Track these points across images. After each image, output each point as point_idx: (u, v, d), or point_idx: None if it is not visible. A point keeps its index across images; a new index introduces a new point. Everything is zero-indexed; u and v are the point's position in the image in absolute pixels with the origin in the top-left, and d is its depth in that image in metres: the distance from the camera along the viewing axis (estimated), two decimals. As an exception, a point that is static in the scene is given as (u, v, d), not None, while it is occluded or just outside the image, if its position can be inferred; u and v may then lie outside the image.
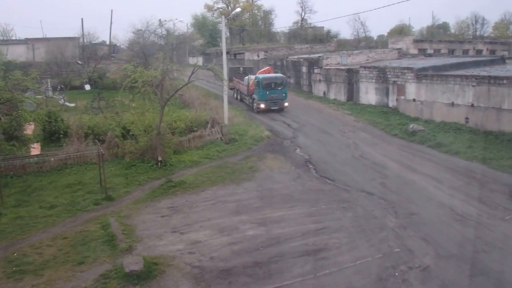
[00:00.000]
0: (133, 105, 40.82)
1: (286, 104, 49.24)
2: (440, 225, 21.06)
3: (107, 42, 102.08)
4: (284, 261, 18.17)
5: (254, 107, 49.99)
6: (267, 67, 61.16)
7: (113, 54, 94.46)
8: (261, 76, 50.39)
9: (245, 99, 55.10)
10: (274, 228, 21.14)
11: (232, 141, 36.77)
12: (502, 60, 53.94)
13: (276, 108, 48.75)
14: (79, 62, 78.91)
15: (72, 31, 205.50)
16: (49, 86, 62.21)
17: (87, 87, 69.55)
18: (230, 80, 54.75)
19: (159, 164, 30.54)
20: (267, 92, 48.42)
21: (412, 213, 22.58)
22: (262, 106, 48.57)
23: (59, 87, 63.99)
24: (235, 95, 59.13)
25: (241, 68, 65.06)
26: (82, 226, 21.99)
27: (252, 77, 52.45)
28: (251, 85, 51.43)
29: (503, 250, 18.64)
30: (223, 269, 17.61)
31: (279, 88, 49.06)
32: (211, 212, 23.43)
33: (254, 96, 50.20)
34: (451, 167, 29.52)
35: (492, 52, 78.86)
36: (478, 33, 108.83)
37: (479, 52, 78.91)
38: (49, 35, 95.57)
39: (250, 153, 34.13)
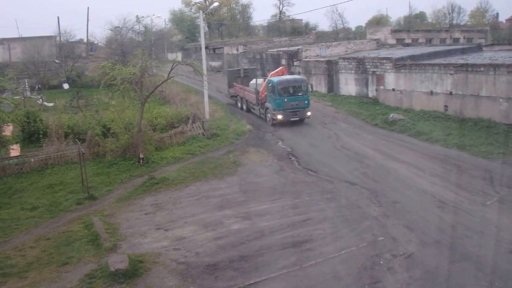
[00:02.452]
0: (112, 103, 40.67)
1: (308, 113, 39.86)
2: (423, 212, 21.25)
3: (85, 40, 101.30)
4: (270, 253, 18.22)
5: (268, 119, 40.92)
6: (280, 68, 47.31)
7: (91, 52, 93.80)
8: (275, 79, 40.30)
9: (253, 108, 44.96)
10: (258, 221, 21.19)
11: (214, 136, 36.72)
12: (479, 48, 54.54)
13: (297, 119, 39.64)
14: (57, 61, 78.19)
15: (48, 30, 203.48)
16: (27, 86, 61.62)
17: (66, 86, 69.01)
18: (231, 86, 51.02)
19: (141, 161, 30.42)
20: (285, 99, 38.92)
21: (395, 201, 22.78)
22: (280, 117, 39.11)
23: (37, 87, 63.29)
24: (239, 104, 48.95)
25: (242, 70, 53.23)
26: (65, 226, 21.83)
27: (261, 81, 44.29)
28: (261, 92, 42.16)
29: (484, 234, 18.88)
30: (209, 264, 17.61)
31: (299, 94, 39.54)
32: (195, 207, 23.40)
33: (268, 104, 40.87)
34: (432, 154, 29.80)
35: (469, 40, 79.49)
36: (454, 21, 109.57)
37: (456, 40, 79.55)
38: (25, 35, 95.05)
39: (233, 148, 34.12)
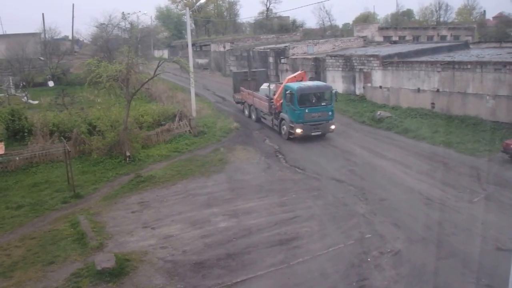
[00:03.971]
0: (98, 100, 40.56)
1: (332, 127, 34.30)
2: (410, 210, 21.41)
3: (70, 37, 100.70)
4: (257, 251, 18.26)
5: (283, 132, 35.37)
6: (299, 72, 40.13)
7: (76, 49, 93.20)
8: (295, 85, 34.36)
9: (264, 118, 39.63)
10: (245, 219, 21.22)
11: (201, 133, 36.70)
12: (466, 45, 54.76)
13: (319, 133, 34.21)
14: (41, 58, 77.57)
15: (33, 27, 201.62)
16: (11, 83, 60.96)
17: (51, 83, 68.46)
18: (236, 90, 45.98)
19: (127, 159, 30.33)
20: (306, 110, 33.31)
21: (382, 198, 22.91)
22: (299, 131, 33.52)
23: (21, 84, 62.73)
24: (246, 112, 43.70)
25: (249, 73, 48.12)
26: (50, 225, 21.71)
27: (273, 86, 39.21)
28: (276, 99, 36.43)
29: (471, 231, 19.06)
30: (196, 262, 17.61)
31: (322, 104, 34.05)
32: (182, 205, 23.38)
33: (284, 115, 35.14)
34: (419, 152, 30.01)
35: (456, 37, 79.84)
36: (442, 19, 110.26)
37: (443, 38, 79.86)
38: (9, 31, 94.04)
39: (220, 145, 34.09)
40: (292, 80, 36.94)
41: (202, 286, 16.05)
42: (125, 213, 22.79)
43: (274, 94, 37.19)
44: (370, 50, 54.23)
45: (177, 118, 37.85)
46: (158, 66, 32.67)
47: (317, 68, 52.59)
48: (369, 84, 45.01)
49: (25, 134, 34.25)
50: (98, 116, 33.24)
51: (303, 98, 33.51)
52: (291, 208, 22.29)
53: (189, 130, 36.68)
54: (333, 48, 64.60)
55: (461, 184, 24.16)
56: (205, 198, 24.20)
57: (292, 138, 34.15)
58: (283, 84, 36.37)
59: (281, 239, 19.16)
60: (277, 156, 31.16)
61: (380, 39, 76.05)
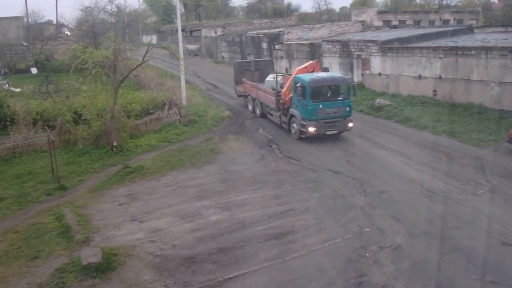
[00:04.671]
0: (84, 88, 40.30)
1: (350, 125, 31.48)
2: (411, 202, 21.40)
3: (54, 22, 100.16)
4: (250, 246, 18.22)
5: (293, 131, 32.53)
6: (310, 62, 35.78)
7: (61, 34, 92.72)
8: (306, 77, 31.46)
9: (270, 114, 36.74)
10: (238, 212, 21.19)
11: (192, 122, 36.61)
12: (470, 30, 54.80)
13: (335, 132, 31.34)
14: (24, 44, 77.18)
15: (15, 10, 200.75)
16: (-8, 70, 60.80)
17: (34, 70, 68.13)
18: (238, 82, 43.35)
19: (114, 149, 30.20)
20: (320, 106, 30.60)
21: (381, 191, 22.89)
22: (312, 129, 30.66)
23: (2, 71, 62.32)
24: (250, 107, 41.22)
25: (252, 63, 45.32)
26: (34, 218, 21.58)
27: (280, 78, 36.75)
28: (284, 93, 33.81)
29: (475, 225, 19.07)
30: (187, 257, 17.56)
31: (339, 98, 31.34)
32: (171, 198, 23.32)
33: (294, 111, 32.33)
34: (420, 142, 30.01)
35: (460, 21, 79.94)
36: (444, 2, 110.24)
37: (446, 22, 79.98)
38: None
39: (211, 135, 34.04)
40: (302, 71, 33.78)
41: (193, 282, 16.00)
42: (112, 206, 22.70)
43: (282, 87, 34.88)
44: (369, 35, 54.17)
45: (166, 107, 37.72)
46: (146, 52, 32.48)
47: (313, 54, 52.42)
48: (367, 71, 44.95)
49: (7, 123, 34.03)
50: (83, 104, 33.10)
51: (316, 92, 30.87)
52: (286, 201, 22.25)
53: (179, 119, 36.57)
54: (330, 33, 64.51)
55: (464, 176, 24.16)
56: (196, 190, 24.11)
57: (303, 138, 31.36)
58: (292, 76, 33.67)
59: (276, 233, 19.11)
60: (271, 146, 31.10)
61: (379, 23, 76.12)
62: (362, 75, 45.72)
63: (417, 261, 16.71)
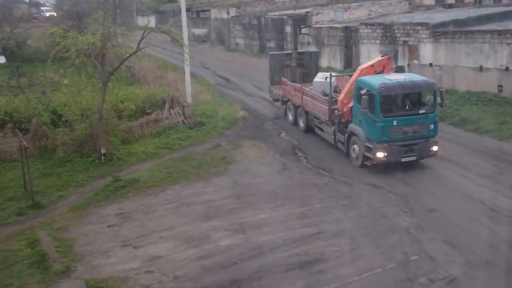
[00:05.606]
0: (65, 82, 40.61)
1: (435, 148, 27.72)
2: (469, 224, 21.34)
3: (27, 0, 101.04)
4: (270, 277, 18.28)
5: (354, 155, 29.00)
6: (380, 57, 31.30)
7: (36, 15, 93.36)
8: (376, 81, 27.48)
9: (320, 128, 32.93)
10: (255, 235, 21.28)
11: (198, 125, 36.76)
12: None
13: (414, 159, 27.64)
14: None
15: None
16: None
17: (2, 59, 68.65)
18: (275, 81, 39.62)
19: (102, 158, 30.38)
20: (394, 122, 26.72)
21: (432, 209, 22.85)
22: (381, 155, 26.84)
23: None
24: (290, 116, 37.61)
25: (295, 55, 40.83)
26: (1, 244, 21.74)
27: (334, 79, 32.57)
28: (341, 101, 29.80)
29: (550, 253, 19.01)
30: (191, 291, 17.71)
31: (421, 111, 27.46)
32: (173, 218, 23.45)
33: (355, 127, 28.52)
34: (480, 149, 29.90)
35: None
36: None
37: (514, -1, 79.40)
38: None
39: (222, 140, 34.21)
40: (368, 70, 29.68)
41: (199, 322, 16.12)
42: (99, 228, 22.85)
43: (336, 91, 31.78)
44: (418, 17, 54.02)
45: (167, 105, 37.91)
46: (142, 38, 32.59)
47: (348, 40, 52.52)
48: (415, 61, 44.88)
49: (-31, 125, 34.32)
50: (64, 103, 33.28)
51: (389, 102, 27.36)
52: (314, 221, 22.30)
53: (183, 121, 36.74)
54: (369, 15, 64.44)
55: (536, 191, 24.09)
56: (203, 208, 24.26)
57: (369, 165, 27.84)
58: (353, 78, 29.71)
59: (301, 261, 19.16)
60: (296, 154, 31.18)
61: (431, 2, 75.69)
62: (408, 65, 45.55)
63: (477, 297, 16.71)
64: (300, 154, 31.11)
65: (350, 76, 31.18)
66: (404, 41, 46.13)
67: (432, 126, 27.44)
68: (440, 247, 19.72)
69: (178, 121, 36.67)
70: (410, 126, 26.93)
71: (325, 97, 31.43)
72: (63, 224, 23.29)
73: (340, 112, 29.74)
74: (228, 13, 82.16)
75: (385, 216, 22.58)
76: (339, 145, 30.42)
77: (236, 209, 23.89)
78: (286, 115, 38.20)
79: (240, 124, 37.63)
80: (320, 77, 34.83)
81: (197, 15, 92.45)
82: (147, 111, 37.67)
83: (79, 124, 31.03)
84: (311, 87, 34.30)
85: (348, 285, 17.60)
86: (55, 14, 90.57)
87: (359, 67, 30.95)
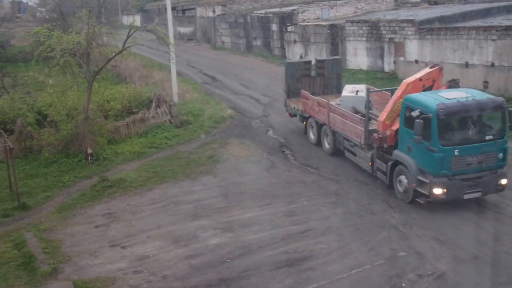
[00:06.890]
0: (50, 82, 40.44)
1: (504, 181, 22.77)
2: (456, 219, 21.51)
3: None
4: (258, 275, 18.30)
5: (401, 188, 23.76)
6: (430, 68, 26.30)
7: (19, 14, 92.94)
8: (431, 100, 22.60)
9: (352, 152, 27.93)
10: (244, 234, 21.29)
11: (185, 124, 36.75)
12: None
13: (478, 195, 22.55)
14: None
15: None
16: None
17: (-16, 59, 68.40)
18: (292, 94, 34.77)
19: (89, 158, 30.30)
20: (455, 152, 21.88)
21: (420, 205, 22.86)
22: (439, 191, 21.95)
23: None
24: (311, 136, 32.59)
25: (315, 64, 35.98)
26: (-13, 246, 21.74)
27: (367, 93, 27.73)
28: (384, 122, 24.77)
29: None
30: (180, 290, 17.68)
31: (487, 137, 22.61)
32: (161, 217, 23.42)
33: (402, 155, 23.65)
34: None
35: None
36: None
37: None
38: None
39: (209, 139, 34.20)
40: (415, 85, 24.95)
41: (188, 322, 16.11)
42: (86, 228, 22.78)
43: (371, 109, 27.55)
44: (403, 14, 54.21)
45: (153, 104, 37.85)
46: (128, 37, 32.52)
47: (334, 38, 52.56)
48: (401, 58, 45.01)
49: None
50: (49, 103, 33.26)
51: (450, 127, 22.64)
52: (303, 219, 22.34)
53: (170, 120, 36.69)
54: (355, 12, 64.62)
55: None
56: (191, 207, 24.25)
57: (423, 201, 22.61)
58: (397, 93, 25.06)
59: (290, 259, 19.19)
60: (283, 152, 31.20)
61: (417, -1, 75.96)
62: (394, 62, 45.78)
63: (466, 292, 16.76)
64: (287, 152, 31.12)
65: (390, 91, 28.11)
66: (390, 38, 46.23)
67: (501, 155, 22.69)
68: (428, 243, 19.78)
69: (164, 120, 36.63)
70: (475, 156, 22.11)
71: (360, 117, 27.01)
72: (49, 225, 23.21)
73: (381, 135, 24.82)
74: (213, 11, 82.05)
75: (373, 212, 22.64)
76: (379, 174, 25.43)
77: (224, 208, 23.90)
78: (306, 133, 33.22)
79: (227, 122, 37.59)
80: (349, 90, 30.44)
81: (182, 13, 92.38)
82: (134, 110, 37.61)
83: (64, 124, 30.98)
84: (339, 102, 30.02)
85: (337, 282, 17.64)
86: (47, 16, 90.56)
87: (404, 81, 25.55)
